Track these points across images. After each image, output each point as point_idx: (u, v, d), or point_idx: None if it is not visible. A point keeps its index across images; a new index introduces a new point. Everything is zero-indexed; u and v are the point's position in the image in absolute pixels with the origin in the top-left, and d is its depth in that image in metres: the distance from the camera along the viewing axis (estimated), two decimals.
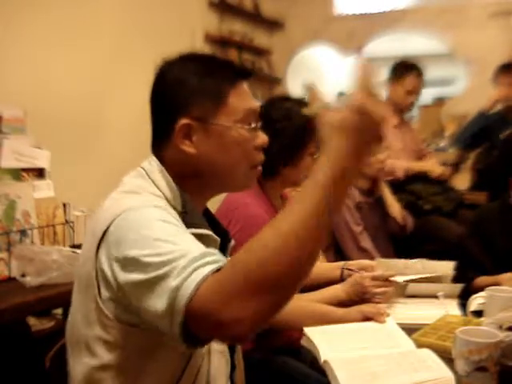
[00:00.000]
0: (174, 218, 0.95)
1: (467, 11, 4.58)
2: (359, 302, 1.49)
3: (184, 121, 1.03)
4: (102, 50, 3.41)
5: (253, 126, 1.08)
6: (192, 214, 1.03)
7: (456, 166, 3.72)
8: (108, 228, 0.93)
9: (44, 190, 2.11)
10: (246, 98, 1.09)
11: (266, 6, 5.10)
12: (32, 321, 2.28)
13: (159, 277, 0.82)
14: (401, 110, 3.28)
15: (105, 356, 0.96)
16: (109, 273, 0.91)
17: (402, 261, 1.86)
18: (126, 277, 0.87)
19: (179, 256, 0.82)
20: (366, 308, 1.40)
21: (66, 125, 3.12)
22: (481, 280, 1.85)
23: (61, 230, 2.12)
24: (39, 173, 2.14)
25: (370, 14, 5.04)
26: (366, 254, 2.34)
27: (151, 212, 0.93)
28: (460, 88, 4.86)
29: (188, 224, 0.99)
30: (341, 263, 1.93)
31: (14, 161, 2.04)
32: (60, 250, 1.86)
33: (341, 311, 1.41)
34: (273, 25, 5.22)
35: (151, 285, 0.83)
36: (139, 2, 3.73)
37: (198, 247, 0.86)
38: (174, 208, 1.02)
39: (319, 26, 5.14)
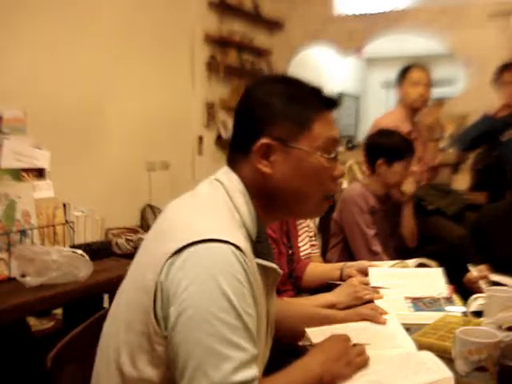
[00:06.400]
0: (246, 273, 0.93)
1: (467, 11, 4.58)
2: (352, 307, 1.50)
3: (265, 140, 1.03)
4: (101, 51, 3.42)
5: (332, 155, 1.08)
6: (263, 244, 1.04)
7: (455, 167, 3.72)
8: (179, 251, 0.91)
9: (44, 190, 2.11)
10: (329, 127, 1.08)
11: (265, 6, 5.10)
12: (32, 321, 2.29)
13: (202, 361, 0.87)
14: (413, 111, 3.28)
15: (147, 371, 0.94)
16: (164, 300, 0.91)
17: (395, 271, 1.86)
18: (175, 324, 0.89)
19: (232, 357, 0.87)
20: (364, 310, 1.41)
21: (66, 125, 3.13)
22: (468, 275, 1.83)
23: (61, 230, 2.12)
24: (39, 173, 2.15)
25: (370, 14, 5.04)
26: (376, 257, 2.33)
27: (226, 268, 0.90)
28: (460, 88, 4.86)
29: (258, 253, 1.00)
30: (340, 264, 1.93)
31: (14, 161, 2.04)
32: (60, 250, 1.86)
33: (341, 314, 1.42)
34: (273, 25, 5.22)
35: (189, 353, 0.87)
36: (139, 3, 3.74)
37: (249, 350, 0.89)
38: (249, 234, 1.02)
39: (319, 26, 5.14)
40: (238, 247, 0.92)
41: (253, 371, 0.89)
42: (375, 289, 1.64)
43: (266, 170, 1.04)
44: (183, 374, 0.87)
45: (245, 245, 0.95)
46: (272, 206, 1.08)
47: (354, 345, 1.12)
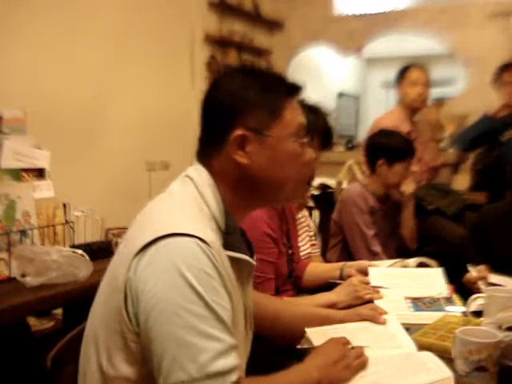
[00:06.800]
0: (214, 265, 0.93)
1: (467, 11, 4.58)
2: (352, 306, 1.50)
3: (239, 131, 1.04)
4: (101, 51, 3.41)
5: (304, 140, 1.11)
6: (233, 236, 1.04)
7: (455, 167, 3.72)
8: (146, 248, 0.92)
9: (44, 190, 2.11)
10: (297, 113, 1.11)
11: (265, 6, 5.10)
12: (32, 321, 2.29)
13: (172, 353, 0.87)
14: (412, 110, 3.28)
15: (123, 368, 0.95)
16: (133, 297, 0.92)
17: (395, 271, 1.87)
18: (146, 321, 0.90)
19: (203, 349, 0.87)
20: (364, 311, 1.41)
21: (66, 125, 3.13)
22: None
23: (61, 230, 2.12)
24: (39, 173, 2.15)
25: (370, 14, 5.04)
26: (376, 257, 2.33)
27: (192, 261, 0.91)
28: (460, 88, 4.86)
29: (228, 245, 1.01)
30: (340, 264, 1.93)
31: (14, 161, 2.04)
32: (60, 250, 1.86)
33: (341, 314, 1.42)
34: (273, 25, 5.22)
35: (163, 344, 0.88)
36: (139, 3, 3.74)
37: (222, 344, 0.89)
38: (219, 227, 1.03)
39: (319, 26, 5.14)
40: (203, 240, 0.93)
41: (231, 360, 0.89)
42: (375, 288, 1.64)
43: (243, 160, 1.05)
44: (160, 370, 0.88)
45: (212, 238, 0.96)
46: (250, 196, 1.10)
47: (353, 347, 1.11)
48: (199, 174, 1.07)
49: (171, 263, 0.90)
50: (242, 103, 1.06)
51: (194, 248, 0.92)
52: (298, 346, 1.29)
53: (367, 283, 1.68)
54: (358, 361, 1.07)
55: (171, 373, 0.87)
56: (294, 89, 1.12)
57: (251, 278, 1.13)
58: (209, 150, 1.09)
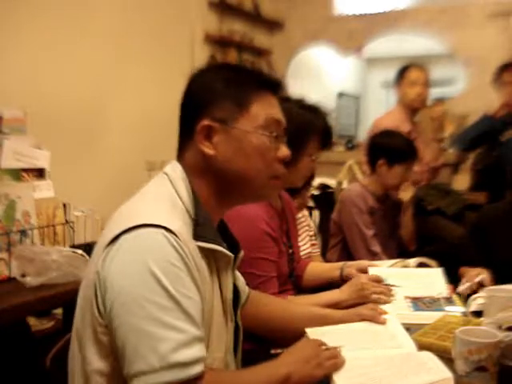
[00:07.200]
0: (180, 256, 0.93)
1: (467, 11, 4.58)
2: (357, 305, 1.49)
3: (205, 122, 1.05)
4: (101, 51, 3.41)
5: (274, 134, 1.10)
6: (204, 227, 1.04)
7: (455, 167, 3.72)
8: (113, 241, 0.94)
9: (44, 190, 2.11)
10: (269, 107, 1.10)
11: (265, 6, 5.10)
12: (32, 321, 2.28)
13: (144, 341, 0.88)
14: (412, 110, 3.28)
15: (95, 362, 0.96)
16: (101, 288, 0.93)
17: (395, 271, 1.86)
18: (110, 311, 0.91)
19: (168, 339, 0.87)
20: (363, 311, 1.40)
21: (66, 125, 3.13)
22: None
23: (61, 230, 2.12)
24: (39, 173, 2.15)
25: (370, 14, 5.04)
26: (375, 257, 2.33)
27: (159, 253, 0.91)
28: (460, 88, 4.85)
29: (198, 236, 1.01)
30: (340, 263, 1.93)
31: (14, 161, 2.04)
32: (60, 250, 1.86)
33: (340, 313, 1.41)
34: (273, 25, 5.22)
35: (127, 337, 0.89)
36: (139, 3, 3.74)
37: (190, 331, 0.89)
38: (192, 220, 1.03)
39: (319, 26, 5.14)
40: (170, 230, 0.93)
41: (195, 351, 0.88)
42: (388, 287, 1.60)
43: (209, 151, 1.06)
44: (124, 360, 0.89)
45: (181, 229, 0.96)
46: (220, 190, 1.09)
47: (327, 348, 1.11)
48: (174, 169, 1.09)
49: (135, 254, 0.91)
50: (209, 94, 1.07)
51: (161, 239, 0.92)
52: (272, 351, 1.29)
53: (379, 281, 1.62)
54: (331, 361, 1.06)
55: (133, 363, 0.87)
56: (268, 83, 1.12)
57: (230, 269, 1.12)
58: (182, 143, 1.11)
